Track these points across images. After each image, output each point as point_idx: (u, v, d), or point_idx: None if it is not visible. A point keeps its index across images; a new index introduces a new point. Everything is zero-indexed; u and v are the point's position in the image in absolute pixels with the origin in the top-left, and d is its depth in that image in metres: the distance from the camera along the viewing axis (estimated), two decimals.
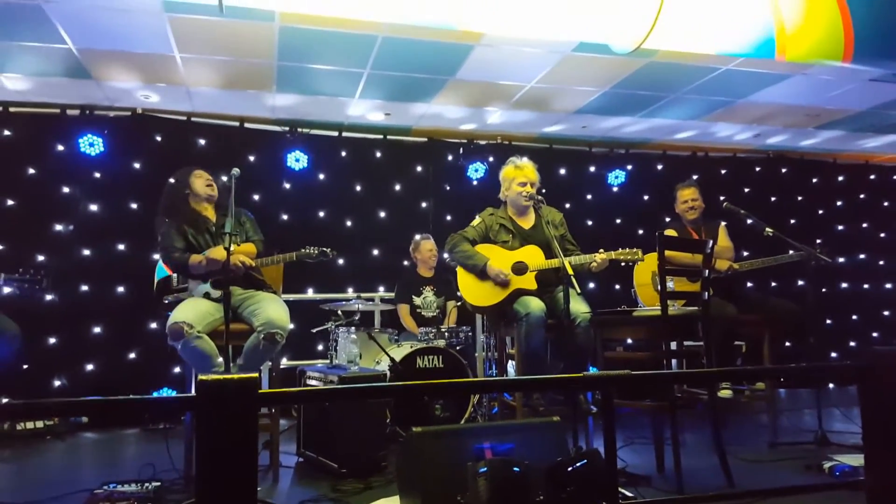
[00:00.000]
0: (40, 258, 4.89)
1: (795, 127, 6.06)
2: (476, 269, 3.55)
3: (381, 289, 5.71)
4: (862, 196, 7.19)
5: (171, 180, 3.29)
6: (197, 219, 3.22)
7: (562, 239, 3.63)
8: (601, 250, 3.44)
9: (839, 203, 7.12)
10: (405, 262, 5.70)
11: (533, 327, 3.30)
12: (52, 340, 4.85)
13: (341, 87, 4.90)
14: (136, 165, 5.23)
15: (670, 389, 2.99)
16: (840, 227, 7.07)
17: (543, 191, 3.79)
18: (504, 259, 3.57)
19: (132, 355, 5.02)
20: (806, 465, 3.09)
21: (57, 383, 4.82)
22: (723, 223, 4.32)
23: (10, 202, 4.90)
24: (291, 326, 3.05)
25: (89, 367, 4.91)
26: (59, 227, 4.99)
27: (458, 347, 4.33)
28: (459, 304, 4.94)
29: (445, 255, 3.68)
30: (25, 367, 4.65)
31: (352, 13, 3.54)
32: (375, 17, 3.66)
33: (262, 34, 3.98)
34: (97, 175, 5.11)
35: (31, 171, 4.98)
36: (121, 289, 5.07)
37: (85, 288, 4.99)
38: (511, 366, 4.17)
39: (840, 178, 7.15)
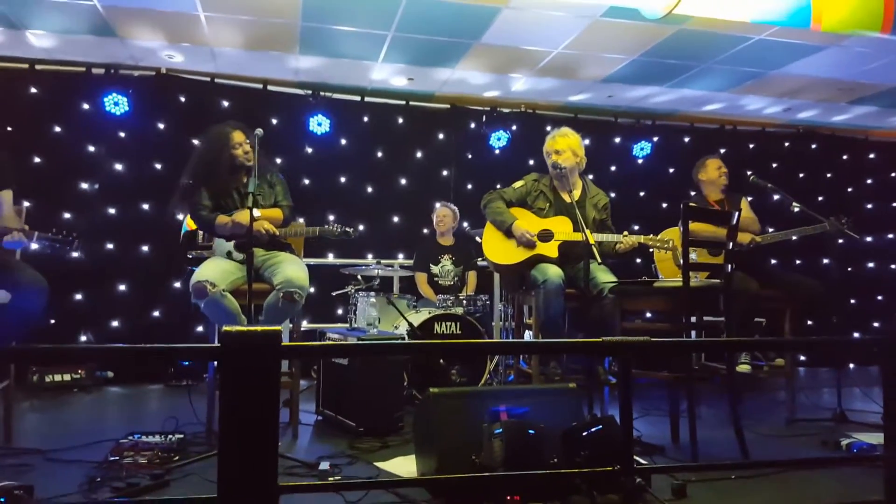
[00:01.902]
0: (66, 216, 4.96)
1: (827, 101, 5.89)
2: (503, 225, 3.54)
3: (401, 255, 5.73)
4: (893, 175, 7.00)
5: (213, 134, 3.24)
6: (228, 179, 3.20)
7: (601, 224, 3.60)
8: (625, 233, 3.40)
9: (869, 181, 6.94)
10: (425, 230, 5.70)
11: (551, 294, 3.29)
12: (78, 297, 4.96)
13: (365, 50, 4.85)
14: (160, 126, 5.26)
15: (688, 361, 2.98)
16: (869, 206, 6.91)
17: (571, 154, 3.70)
18: (532, 224, 3.54)
19: (156, 314, 5.12)
20: (823, 441, 3.08)
21: (83, 338, 4.94)
22: (745, 197, 4.24)
23: (36, 159, 4.97)
24: (311, 290, 3.08)
25: (114, 324, 5.02)
26: (84, 186, 5.06)
27: (475, 315, 4.34)
28: (484, 264, 4.92)
29: (481, 210, 3.69)
30: (52, 321, 4.77)
31: None
32: None
33: None
34: (122, 134, 5.14)
35: (57, 129, 5.03)
36: (145, 248, 5.15)
37: (110, 246, 5.07)
38: (528, 335, 4.19)
39: (871, 156, 6.96)
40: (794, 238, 4.03)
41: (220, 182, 3.18)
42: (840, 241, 3.80)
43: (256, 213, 2.78)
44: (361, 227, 5.76)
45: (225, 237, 3.13)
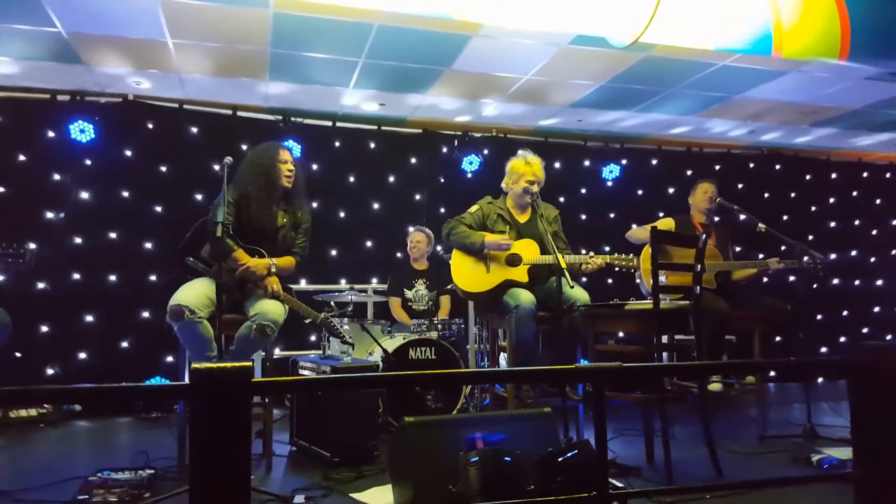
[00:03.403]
0: (32, 246, 4.84)
1: (790, 124, 6.08)
2: (475, 247, 3.51)
3: (374, 280, 5.71)
4: (854, 193, 7.23)
5: (265, 151, 3.17)
6: (261, 207, 3.12)
7: (555, 236, 3.64)
8: (591, 253, 3.44)
9: (832, 200, 7.17)
10: (398, 255, 5.69)
11: (523, 319, 3.31)
12: (45, 329, 4.83)
13: (336, 76, 4.87)
14: (128, 153, 5.19)
15: (661, 382, 3.01)
16: (832, 224, 7.12)
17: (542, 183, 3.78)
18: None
19: (124, 344, 5.00)
20: (794, 458, 3.13)
21: (50, 371, 4.80)
22: (723, 227, 4.34)
23: (0, 189, 4.86)
24: (284, 322, 3.04)
25: (82, 355, 4.89)
26: (50, 215, 4.95)
27: (450, 339, 4.34)
28: (452, 288, 4.94)
29: (442, 240, 3.68)
30: (18, 355, 4.63)
31: (347, 0, 3.52)
32: (372, 4, 3.65)
33: (255, 20, 3.95)
34: (88, 162, 5.06)
35: (22, 157, 4.93)
36: (112, 277, 5.04)
37: (77, 276, 4.96)
38: (503, 358, 4.19)
39: (833, 176, 7.19)
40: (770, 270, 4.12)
41: (252, 199, 3.09)
42: (806, 258, 3.88)
43: (273, 264, 2.83)
44: (334, 253, 5.74)
45: (230, 271, 2.99)
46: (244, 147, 5.48)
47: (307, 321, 4.30)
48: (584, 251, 3.58)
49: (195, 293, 2.88)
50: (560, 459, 2.14)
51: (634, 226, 6.20)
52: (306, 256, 3.29)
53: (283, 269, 3.11)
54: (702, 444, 2.94)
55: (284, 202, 3.21)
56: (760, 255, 4.39)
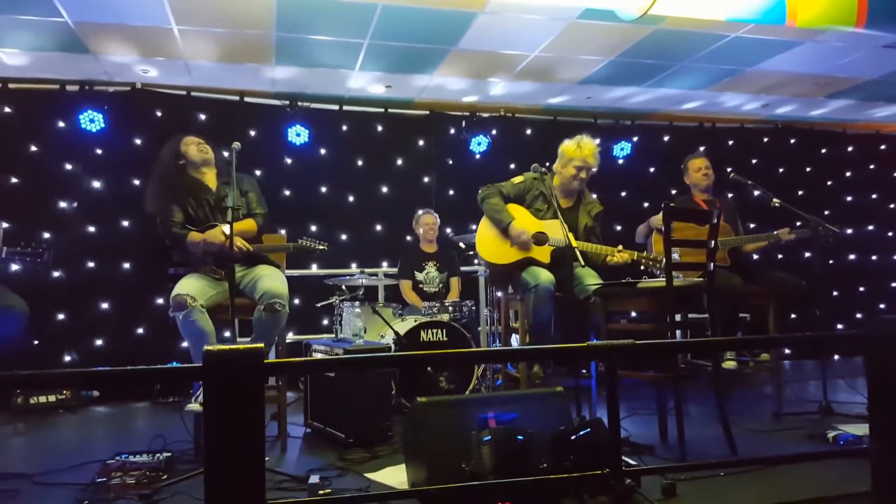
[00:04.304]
0: (46, 235, 4.90)
1: (804, 96, 5.96)
2: (500, 224, 3.53)
3: (385, 264, 5.71)
4: (871, 167, 7.10)
5: (164, 151, 3.26)
6: (196, 189, 3.19)
7: (590, 231, 3.61)
8: (620, 247, 3.40)
9: (848, 174, 7.03)
10: (408, 238, 5.68)
11: (542, 299, 3.30)
12: (61, 317, 4.88)
13: (341, 59, 4.84)
14: (137, 141, 5.20)
15: (674, 360, 2.99)
16: (849, 199, 7.00)
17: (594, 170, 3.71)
18: (529, 225, 3.54)
19: (140, 331, 5.05)
20: (810, 435, 3.10)
21: (67, 359, 4.87)
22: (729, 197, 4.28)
23: (13, 180, 4.90)
24: (296, 301, 3.08)
25: (98, 342, 4.95)
26: (62, 205, 4.99)
27: (461, 321, 4.34)
28: (467, 269, 4.94)
29: (477, 202, 3.71)
30: (35, 342, 4.70)
31: None
32: None
33: (259, 4, 3.92)
34: (98, 151, 5.08)
35: (33, 148, 4.96)
36: (126, 265, 5.08)
37: (91, 264, 5.00)
38: (515, 339, 4.19)
39: (849, 149, 7.05)
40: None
41: (182, 190, 3.16)
42: (825, 236, 3.81)
43: (228, 228, 2.76)
44: (344, 237, 5.74)
45: (197, 254, 3.09)
46: (252, 133, 5.50)
47: (319, 305, 4.35)
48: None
49: (193, 284, 2.98)
50: (573, 438, 2.14)
51: (646, 204, 6.18)
52: (266, 214, 3.31)
53: (244, 233, 3.10)
54: (716, 423, 2.92)
55: (223, 177, 3.24)
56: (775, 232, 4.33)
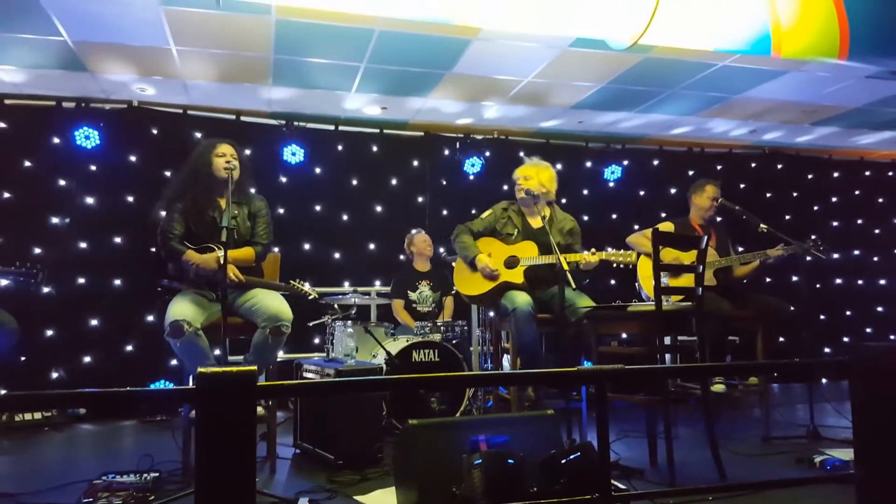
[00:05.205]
0: (37, 251, 4.88)
1: (791, 123, 6.08)
2: (467, 259, 3.70)
3: (378, 283, 5.73)
4: (857, 192, 7.22)
5: (196, 153, 3.17)
6: (205, 205, 3.12)
7: (566, 248, 3.65)
8: (593, 249, 3.46)
9: (834, 199, 7.16)
10: (402, 257, 5.71)
11: (522, 321, 3.35)
12: (50, 333, 4.85)
13: (338, 81, 4.90)
14: (132, 159, 5.22)
15: (664, 384, 3.02)
16: (835, 224, 7.11)
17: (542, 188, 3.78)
18: (500, 252, 3.63)
19: (129, 348, 5.02)
20: (797, 459, 3.13)
21: (55, 375, 4.83)
22: (722, 232, 4.33)
23: (6, 195, 4.89)
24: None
25: (86, 359, 4.91)
26: (55, 220, 4.98)
27: (453, 341, 4.35)
28: (454, 293, 4.97)
29: (451, 245, 3.87)
30: (23, 359, 4.66)
31: (348, 6, 3.55)
32: (372, 10, 3.67)
33: (258, 27, 3.98)
34: (93, 168, 5.10)
35: (28, 163, 4.97)
36: (117, 282, 5.07)
37: (82, 281, 4.99)
38: (507, 360, 4.20)
39: (835, 175, 7.19)
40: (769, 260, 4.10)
41: (195, 201, 3.09)
42: (808, 258, 3.88)
43: (221, 256, 2.72)
44: (337, 256, 5.76)
45: (190, 275, 3.04)
46: (248, 152, 5.52)
47: (311, 324, 4.35)
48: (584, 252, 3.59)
49: (187, 307, 2.90)
50: (563, 461, 2.15)
51: (637, 227, 6.23)
52: (268, 244, 3.24)
53: (240, 261, 3.05)
54: (705, 446, 2.94)
55: (236, 195, 3.06)
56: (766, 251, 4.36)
